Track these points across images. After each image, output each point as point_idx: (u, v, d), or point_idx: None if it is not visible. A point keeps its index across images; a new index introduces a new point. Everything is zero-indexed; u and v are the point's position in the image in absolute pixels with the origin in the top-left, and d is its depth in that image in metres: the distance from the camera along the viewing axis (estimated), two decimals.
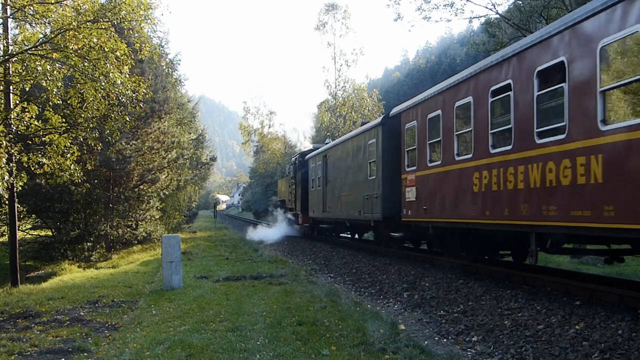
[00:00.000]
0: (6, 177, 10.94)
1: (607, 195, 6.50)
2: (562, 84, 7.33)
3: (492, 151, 9.10)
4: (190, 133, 37.21)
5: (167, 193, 27.87)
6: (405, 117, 13.03)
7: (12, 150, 11.67)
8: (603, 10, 6.55)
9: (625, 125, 6.17)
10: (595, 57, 6.69)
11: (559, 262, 13.13)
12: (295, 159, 27.38)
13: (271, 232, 29.13)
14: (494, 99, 9.07)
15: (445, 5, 25.07)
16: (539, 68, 7.85)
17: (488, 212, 9.27)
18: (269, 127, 54.38)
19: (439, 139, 11.12)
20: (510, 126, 8.57)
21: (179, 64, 40.39)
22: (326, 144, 23.40)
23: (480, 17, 26.76)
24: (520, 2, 24.83)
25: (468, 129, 9.93)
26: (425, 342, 6.61)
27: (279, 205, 33.43)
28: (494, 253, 11.44)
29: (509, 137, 8.66)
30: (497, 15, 25.25)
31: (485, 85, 9.35)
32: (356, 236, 21.06)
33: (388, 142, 14.17)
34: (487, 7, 32.46)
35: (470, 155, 9.86)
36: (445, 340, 6.88)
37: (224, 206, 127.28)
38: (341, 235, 21.94)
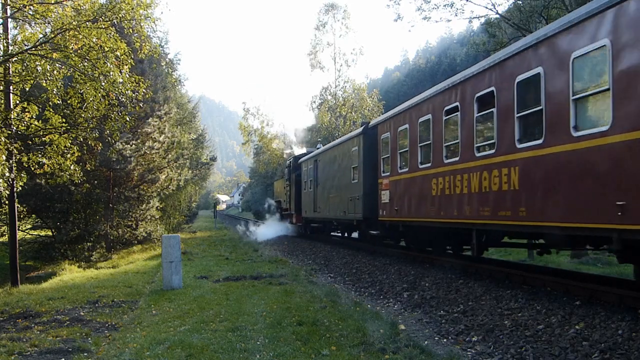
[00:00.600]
0: (6, 174, 10.94)
1: (521, 199, 8.16)
2: (493, 109, 8.99)
3: (446, 161, 10.79)
4: (190, 133, 37.22)
5: (167, 193, 27.89)
6: (381, 128, 14.71)
7: (12, 148, 11.67)
8: (519, 53, 8.37)
9: (531, 144, 7.98)
10: (513, 90, 8.39)
11: (559, 262, 13.14)
12: (290, 162, 29.00)
13: (268, 231, 30.68)
14: (447, 117, 10.76)
15: (445, 6, 25.06)
16: (478, 94, 9.50)
17: (442, 212, 10.94)
18: (269, 127, 54.46)
19: (406, 149, 12.82)
20: (458, 141, 10.24)
21: (178, 64, 40.46)
22: (317, 148, 25.05)
23: (480, 17, 26.76)
24: (520, 2, 24.83)
25: (428, 142, 11.59)
26: (425, 342, 6.61)
27: (275, 205, 35.41)
28: (458, 247, 12.70)
29: (457, 150, 10.32)
30: (497, 15, 25.24)
31: (440, 106, 11.04)
32: (345, 234, 22.15)
33: (368, 150, 15.71)
34: (487, 7, 32.48)
35: (430, 164, 11.54)
36: (445, 340, 6.88)
37: (224, 206, 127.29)
38: (332, 234, 23.14)
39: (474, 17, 27.43)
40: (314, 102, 48.54)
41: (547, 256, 11.06)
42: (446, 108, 10.75)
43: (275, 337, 6.47)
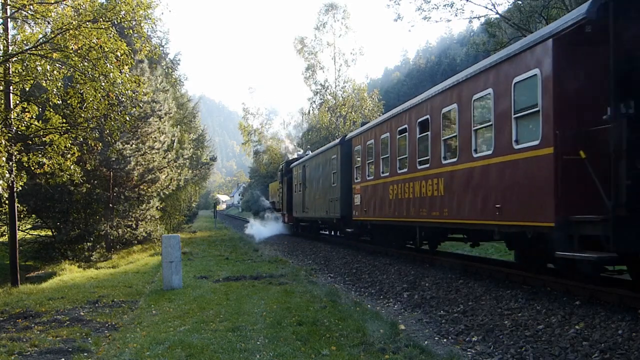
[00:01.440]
0: (6, 175, 10.93)
1: (445, 202, 10.66)
2: (428, 132, 11.52)
3: (398, 172, 13.25)
4: (190, 133, 37.23)
5: (167, 193, 27.88)
6: (355, 141, 17.30)
7: (12, 150, 11.66)
8: (444, 91, 10.83)
9: (450, 161, 10.50)
10: (440, 119, 11.02)
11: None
12: (282, 166, 31.90)
13: (264, 230, 33.21)
14: (400, 136, 13.21)
15: (445, 5, 25.08)
16: (419, 120, 12.05)
17: (397, 213, 13.31)
18: (269, 127, 54.51)
19: (372, 160, 15.32)
20: (406, 156, 12.72)
21: (178, 64, 40.43)
22: (306, 154, 27.58)
23: (480, 17, 26.74)
24: (520, 2, 24.82)
25: (387, 155, 14.03)
26: (425, 342, 6.61)
27: (270, 206, 39.07)
28: (417, 243, 14.12)
29: (406, 163, 12.77)
30: (497, 15, 25.23)
31: (395, 126, 13.53)
32: (332, 232, 24.11)
33: (345, 158, 18.19)
34: (487, 7, 32.38)
35: (388, 174, 14.00)
36: (445, 340, 6.88)
37: (224, 206, 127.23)
38: (320, 232, 25.28)
39: (474, 17, 27.37)
40: (312, 102, 48.62)
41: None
42: (399, 129, 13.25)
43: (275, 337, 6.47)
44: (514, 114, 8.36)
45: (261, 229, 33.66)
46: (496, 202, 8.75)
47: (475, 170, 9.55)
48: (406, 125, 12.70)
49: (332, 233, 23.63)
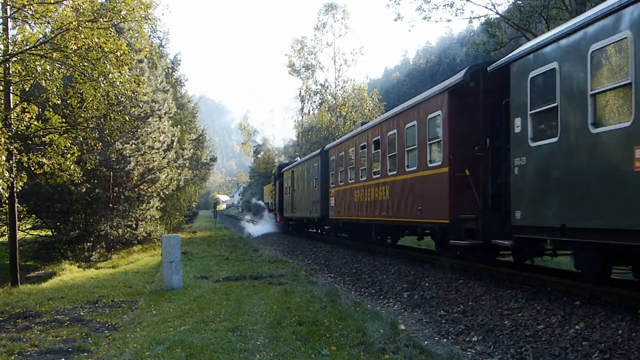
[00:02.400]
0: (6, 175, 10.92)
1: (390, 205, 13.56)
2: (379, 149, 14.50)
3: (361, 180, 16.19)
4: (190, 133, 37.23)
5: (167, 193, 27.88)
6: (331, 152, 20.54)
7: (11, 148, 11.65)
8: (389, 119, 13.93)
9: (393, 173, 13.45)
10: (386, 140, 13.90)
11: (559, 262, 13.12)
12: (275, 171, 35.52)
13: (259, 228, 36.95)
14: (361, 151, 16.32)
15: (445, 5, 25.08)
16: (374, 139, 14.98)
17: (359, 213, 16.38)
18: (271, 126, 54.62)
19: (343, 169, 18.50)
20: (365, 167, 15.80)
21: (179, 64, 40.41)
22: (295, 161, 30.61)
23: (480, 17, 26.76)
24: (520, 2, 24.82)
25: (353, 166, 17.14)
26: (425, 342, 6.61)
27: (264, 207, 43.80)
28: (372, 238, 16.68)
29: (366, 173, 15.76)
30: (497, 15, 25.24)
31: (359, 143, 16.60)
32: (317, 230, 26.48)
33: (324, 166, 21.26)
34: (487, 7, 32.39)
35: (354, 181, 17.08)
36: (445, 340, 6.87)
37: (224, 206, 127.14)
38: (307, 229, 28.06)
39: (474, 17, 27.37)
40: (306, 103, 48.79)
41: (547, 257, 11.20)
42: (361, 145, 16.29)
43: (275, 337, 6.47)
44: (428, 141, 11.39)
45: (257, 227, 37.47)
46: (419, 205, 11.89)
47: (407, 181, 12.64)
48: (365, 143, 15.85)
49: (316, 230, 25.95)
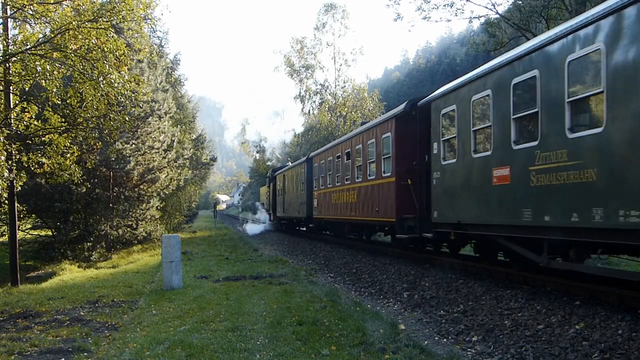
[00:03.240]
0: (5, 174, 10.91)
1: (357, 206, 16.28)
2: (350, 160, 17.39)
3: (336, 184, 19.15)
4: (190, 133, 37.23)
5: (167, 193, 27.89)
6: (314, 159, 23.29)
7: (10, 149, 11.64)
8: (356, 135, 16.94)
9: (359, 180, 16.13)
10: (354, 152, 16.79)
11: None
12: (269, 173, 38.91)
13: (255, 226, 40.24)
14: (337, 160, 19.28)
15: (445, 5, 25.07)
16: (346, 151, 17.97)
17: (336, 213, 19.27)
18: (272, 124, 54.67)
19: (323, 174, 21.32)
20: (340, 174, 18.75)
21: (179, 64, 40.40)
22: (286, 165, 33.45)
23: (480, 17, 26.74)
24: (520, 2, 24.82)
25: (330, 172, 20.15)
26: (425, 342, 6.61)
27: (259, 207, 48.87)
28: (359, 235, 19.21)
29: (340, 179, 18.63)
30: (497, 15, 25.23)
31: (335, 153, 19.60)
32: (305, 228, 29.25)
33: (308, 172, 24.13)
34: (487, 7, 32.35)
35: (331, 185, 19.92)
36: (445, 340, 6.87)
37: (224, 206, 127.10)
38: (297, 228, 30.58)
39: (474, 17, 27.34)
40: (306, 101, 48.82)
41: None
42: (336, 155, 19.37)
43: (275, 337, 6.47)
44: (383, 156, 14.20)
45: (253, 225, 41.15)
46: (376, 207, 14.59)
47: (369, 187, 15.36)
48: (340, 153, 18.83)
49: (305, 228, 28.71)
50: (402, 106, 13.21)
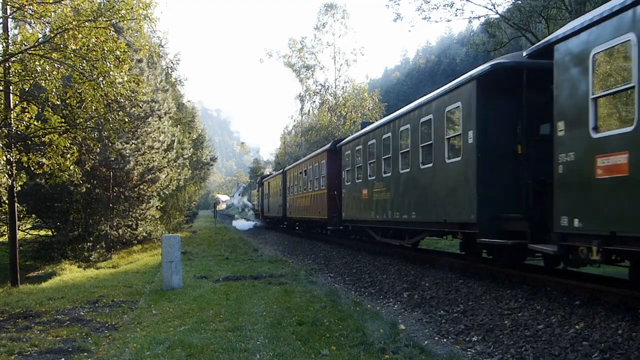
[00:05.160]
0: (4, 180, 10.90)
1: (310, 208, 23.87)
2: (306, 176, 24.71)
3: (299, 192, 26.30)
4: (190, 133, 37.21)
5: (167, 193, 27.86)
6: (288, 172, 30.37)
7: (9, 156, 11.59)
8: (308, 159, 25.75)
9: (310, 190, 24.02)
10: (306, 171, 24.99)
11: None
12: (259, 180, 47.26)
13: (248, 224, 48.98)
14: (299, 174, 25.99)
15: (445, 6, 25.09)
16: (304, 169, 25.21)
17: (299, 214, 26.34)
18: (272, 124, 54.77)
19: (293, 184, 28.04)
20: (301, 185, 25.78)
21: (178, 64, 40.39)
22: (271, 174, 40.42)
23: (480, 17, 26.75)
24: (520, 2, 24.80)
25: (297, 183, 26.67)
26: (425, 342, 6.61)
27: (252, 207, 63.07)
28: (314, 229, 26.05)
29: (301, 189, 25.68)
30: (497, 15, 25.22)
31: (299, 170, 26.46)
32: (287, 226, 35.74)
33: (284, 181, 30.90)
34: (487, 7, 32.37)
35: (297, 193, 26.85)
36: (445, 340, 6.87)
37: (224, 206, 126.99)
38: (279, 225, 35.70)
39: (474, 17, 27.40)
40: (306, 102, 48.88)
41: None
42: (299, 171, 26.05)
43: (275, 337, 6.47)
44: (320, 176, 21.52)
45: (247, 223, 50.51)
46: (318, 209, 21.55)
47: (314, 195, 22.47)
48: (302, 170, 25.51)
49: (283, 225, 34.62)
50: (329, 145, 21.02)
